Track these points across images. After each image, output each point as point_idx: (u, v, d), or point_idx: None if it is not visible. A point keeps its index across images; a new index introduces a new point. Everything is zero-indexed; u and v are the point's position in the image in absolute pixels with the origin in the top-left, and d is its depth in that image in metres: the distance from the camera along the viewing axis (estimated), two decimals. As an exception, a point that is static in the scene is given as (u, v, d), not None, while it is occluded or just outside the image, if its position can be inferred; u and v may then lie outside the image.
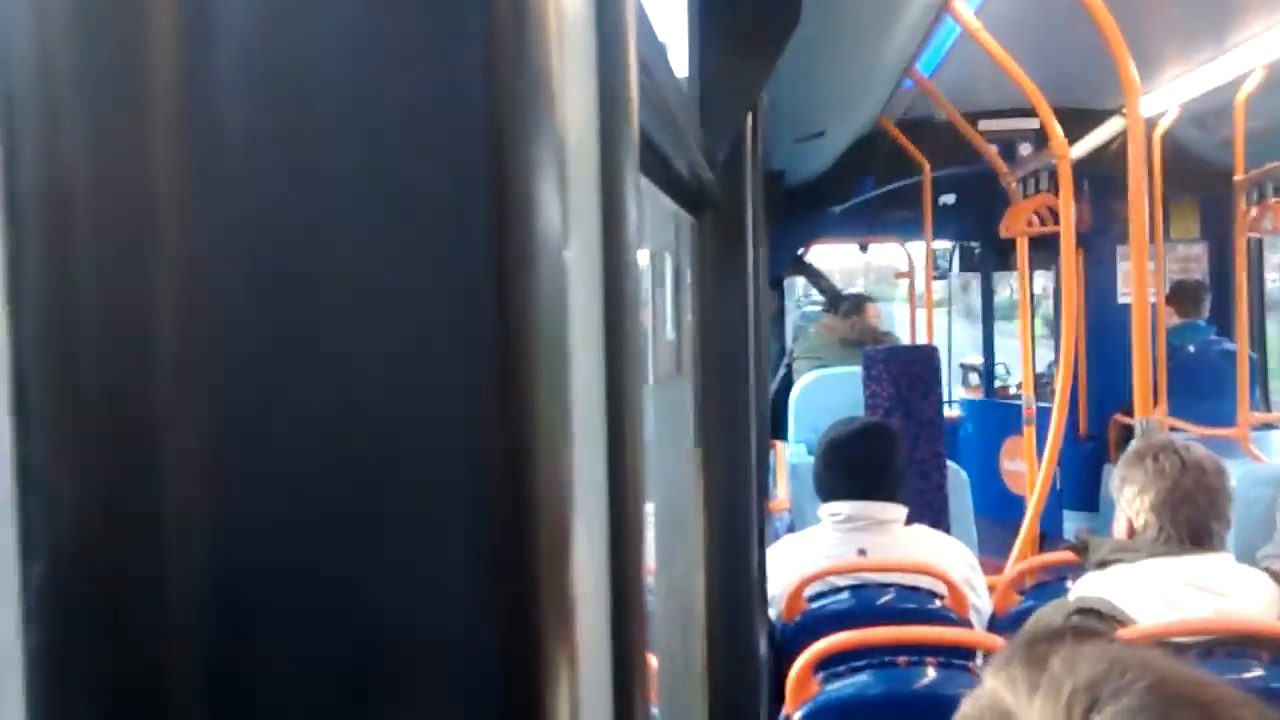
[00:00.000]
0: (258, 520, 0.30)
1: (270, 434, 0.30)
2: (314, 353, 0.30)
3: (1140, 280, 3.12)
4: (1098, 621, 2.23)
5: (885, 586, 2.73)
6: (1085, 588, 2.33)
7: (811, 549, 2.87)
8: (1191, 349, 5.40)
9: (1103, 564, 2.32)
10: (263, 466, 0.30)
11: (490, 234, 0.30)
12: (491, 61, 0.30)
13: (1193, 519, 2.22)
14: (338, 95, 0.30)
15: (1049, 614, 2.34)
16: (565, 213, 0.33)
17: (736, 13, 1.70)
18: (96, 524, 0.30)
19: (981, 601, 2.85)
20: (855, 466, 2.88)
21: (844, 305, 6.43)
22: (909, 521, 2.94)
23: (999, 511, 5.31)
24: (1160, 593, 2.22)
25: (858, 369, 4.81)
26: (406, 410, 0.30)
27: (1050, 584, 2.85)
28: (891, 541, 2.82)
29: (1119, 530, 2.35)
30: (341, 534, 0.30)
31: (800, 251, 7.75)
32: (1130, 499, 2.28)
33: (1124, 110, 5.23)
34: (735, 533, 2.05)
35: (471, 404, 0.30)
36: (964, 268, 7.99)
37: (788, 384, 5.74)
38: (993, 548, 4.28)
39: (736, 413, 1.99)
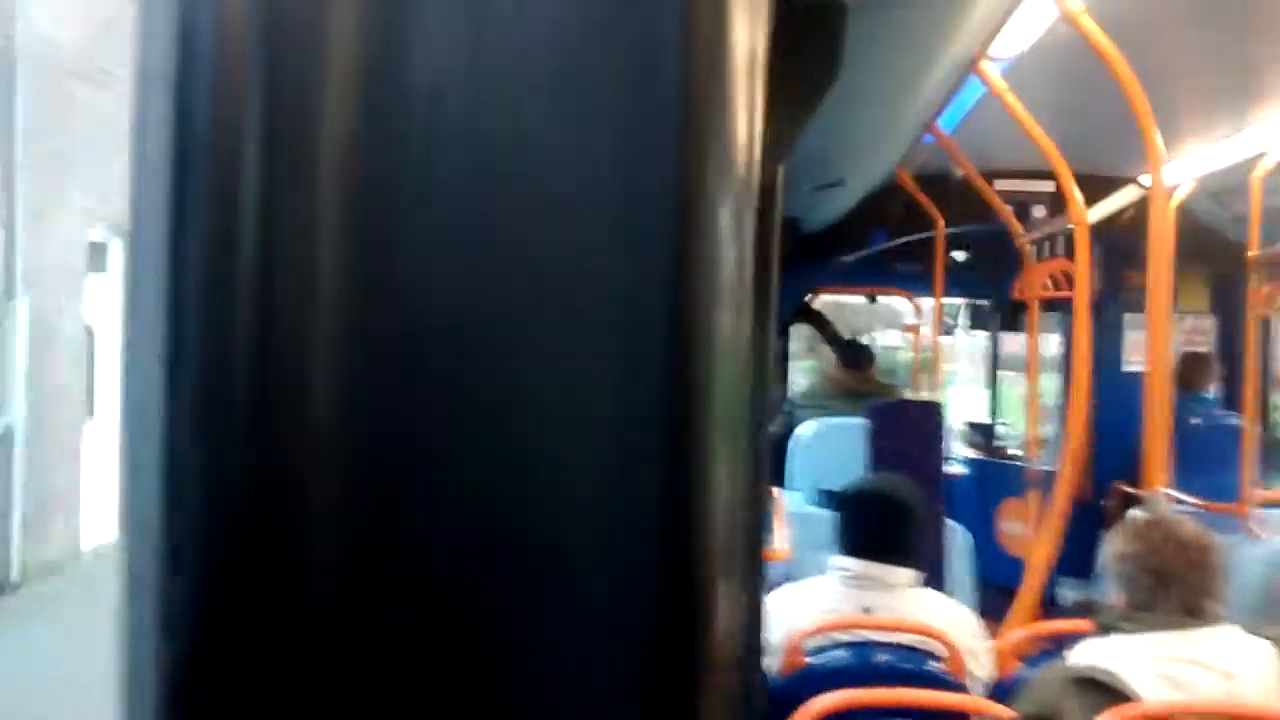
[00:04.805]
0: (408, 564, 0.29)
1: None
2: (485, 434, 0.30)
3: (1157, 350, 3.11)
4: (1096, 692, 2.20)
5: (885, 646, 2.71)
6: (1085, 655, 2.31)
7: (816, 601, 2.84)
8: (1196, 421, 5.38)
9: (1105, 629, 2.30)
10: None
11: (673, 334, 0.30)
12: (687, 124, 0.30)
13: (1184, 595, 2.21)
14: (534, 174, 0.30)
15: (1048, 677, 2.31)
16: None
17: (775, 65, 1.70)
18: (240, 539, 0.30)
19: (983, 671, 2.82)
20: (877, 527, 2.85)
21: (850, 355, 6.43)
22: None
23: (993, 573, 5.27)
24: (1162, 668, 2.19)
25: (860, 420, 4.80)
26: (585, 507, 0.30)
27: (1051, 652, 2.83)
28: (899, 603, 2.80)
29: (1113, 601, 2.34)
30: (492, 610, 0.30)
31: (807, 298, 7.75)
32: (1125, 574, 2.28)
33: (1141, 179, 5.25)
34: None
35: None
36: (971, 325, 7.99)
37: (788, 431, 5.71)
38: (986, 609, 4.25)
39: (749, 457, 1.99)
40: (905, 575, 2.85)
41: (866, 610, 2.78)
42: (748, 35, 0.34)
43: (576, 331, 0.31)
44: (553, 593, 0.31)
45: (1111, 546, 2.34)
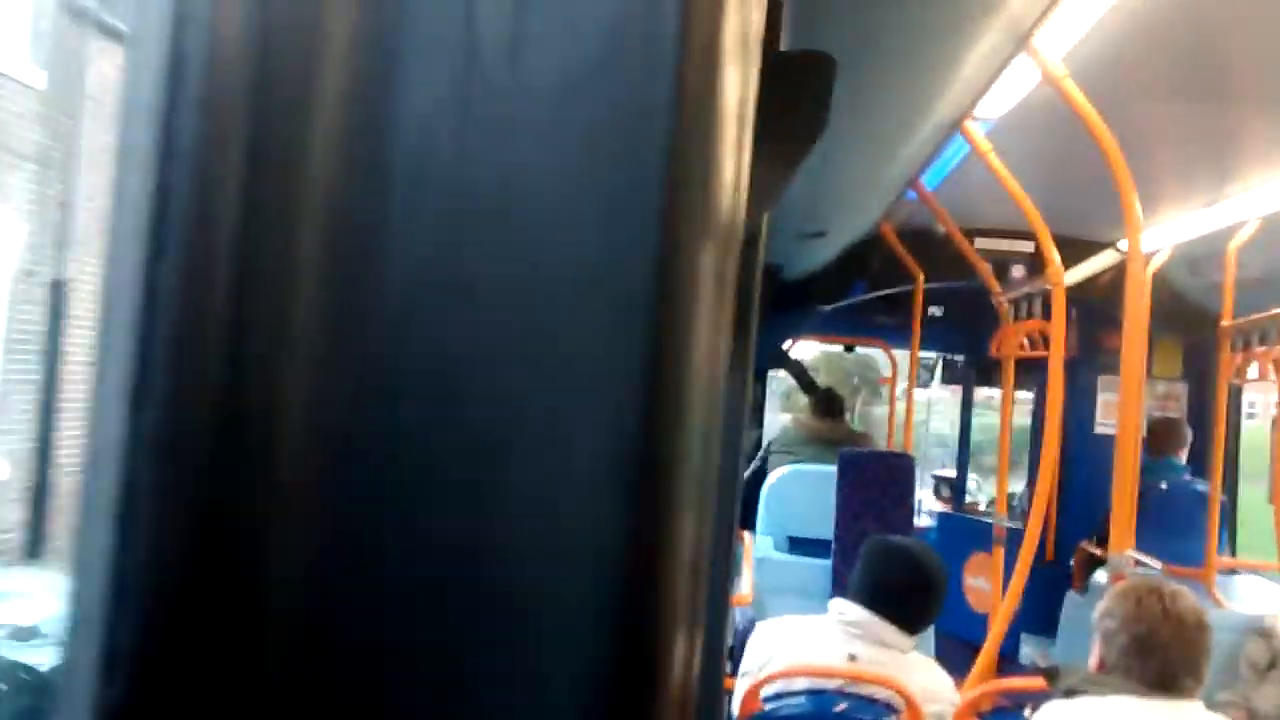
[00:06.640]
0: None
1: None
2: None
3: (1130, 413, 3.13)
4: (1055, 753, 2.21)
5: (849, 696, 2.70)
6: (1048, 715, 2.31)
7: (806, 639, 2.83)
8: (1164, 486, 5.42)
9: (1070, 692, 2.31)
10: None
11: (646, 367, 0.31)
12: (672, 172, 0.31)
13: (1162, 669, 2.21)
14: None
15: None
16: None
17: (764, 115, 1.72)
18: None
19: None
20: (896, 585, 2.81)
21: (824, 403, 6.45)
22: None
23: (957, 628, 5.28)
24: (1121, 731, 2.20)
25: (833, 468, 4.81)
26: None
27: (1009, 710, 2.83)
28: (886, 659, 2.78)
29: (1092, 661, 2.34)
30: (457, 633, 0.30)
31: (785, 346, 7.78)
32: (1108, 634, 2.27)
33: (1119, 244, 5.31)
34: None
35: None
36: (946, 380, 8.04)
37: (760, 476, 5.72)
38: (946, 663, 4.25)
39: (720, 501, 1.98)
40: (902, 640, 2.81)
41: (852, 658, 2.76)
42: (739, 85, 0.35)
43: (550, 373, 0.31)
44: (505, 631, 0.31)
45: (1103, 604, 2.34)
